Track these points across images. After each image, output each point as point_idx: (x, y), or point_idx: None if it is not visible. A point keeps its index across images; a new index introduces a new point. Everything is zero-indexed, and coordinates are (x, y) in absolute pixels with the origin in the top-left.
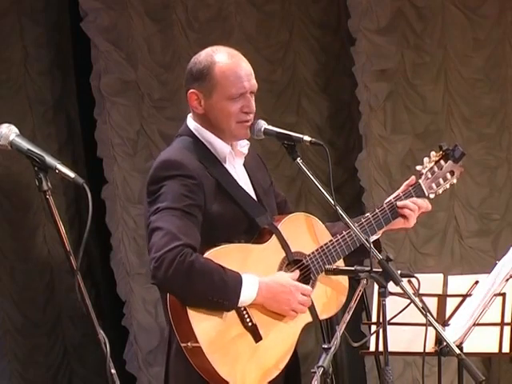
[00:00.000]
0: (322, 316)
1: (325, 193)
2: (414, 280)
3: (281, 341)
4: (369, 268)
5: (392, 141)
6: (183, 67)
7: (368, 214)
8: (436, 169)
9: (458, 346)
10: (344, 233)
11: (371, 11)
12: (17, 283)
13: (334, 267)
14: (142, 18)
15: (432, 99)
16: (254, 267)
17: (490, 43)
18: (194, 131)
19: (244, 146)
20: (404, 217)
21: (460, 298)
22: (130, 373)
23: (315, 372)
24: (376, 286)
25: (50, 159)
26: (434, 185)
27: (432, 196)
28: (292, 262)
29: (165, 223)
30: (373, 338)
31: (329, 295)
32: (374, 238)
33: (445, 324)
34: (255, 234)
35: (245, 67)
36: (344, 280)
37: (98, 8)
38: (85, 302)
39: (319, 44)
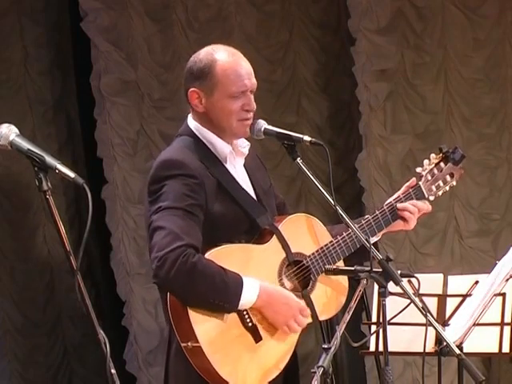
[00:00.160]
0: (322, 316)
1: (325, 193)
2: (414, 280)
3: (281, 341)
4: (369, 268)
5: (392, 141)
6: (183, 67)
7: (368, 216)
8: (436, 171)
9: (458, 346)
10: (344, 234)
11: (371, 11)
12: (17, 283)
13: (334, 267)
14: (142, 17)
15: (432, 99)
16: (255, 268)
17: (490, 43)
18: (194, 131)
19: (245, 146)
20: (404, 219)
21: (460, 298)
22: (130, 373)
23: (315, 372)
24: (376, 286)
25: (49, 159)
26: (433, 187)
27: (432, 198)
28: (292, 262)
29: (167, 222)
30: (373, 338)
31: (329, 295)
32: (374, 239)
33: (445, 324)
34: (255, 234)
35: (245, 66)
36: (344, 280)
37: (98, 8)
38: (85, 302)
39: (319, 44)
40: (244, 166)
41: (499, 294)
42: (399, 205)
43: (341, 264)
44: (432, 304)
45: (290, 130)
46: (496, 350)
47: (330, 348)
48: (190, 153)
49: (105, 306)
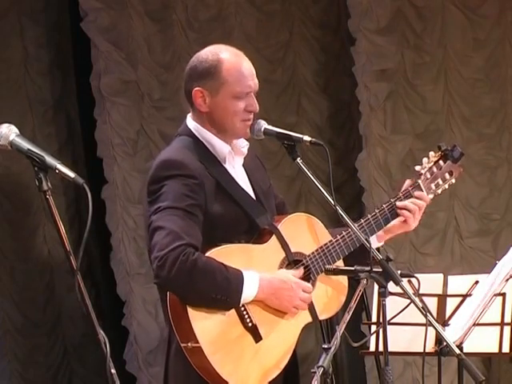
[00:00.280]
0: (322, 316)
1: (325, 193)
2: (414, 280)
3: (281, 341)
4: (369, 268)
5: (392, 141)
6: (183, 67)
7: (368, 215)
8: (435, 169)
9: (458, 346)
10: (344, 233)
11: (371, 11)
12: (17, 283)
13: (334, 267)
14: (142, 17)
15: (432, 99)
16: (255, 268)
17: (490, 43)
18: (193, 131)
19: (244, 146)
20: (404, 219)
21: (460, 298)
22: (130, 373)
23: (315, 372)
24: (376, 286)
25: (50, 159)
26: (433, 185)
27: (431, 196)
28: (292, 262)
29: (167, 222)
30: (373, 338)
31: (329, 295)
32: (378, 245)
33: (445, 324)
34: (255, 234)
35: (249, 67)
36: (344, 280)
37: (98, 8)
38: (85, 302)
39: (319, 44)
40: (243, 166)
41: (499, 294)
42: (399, 203)
43: (340, 263)
44: (432, 304)
45: (290, 129)
46: (496, 350)
47: (330, 348)
48: (189, 153)
49: (105, 306)
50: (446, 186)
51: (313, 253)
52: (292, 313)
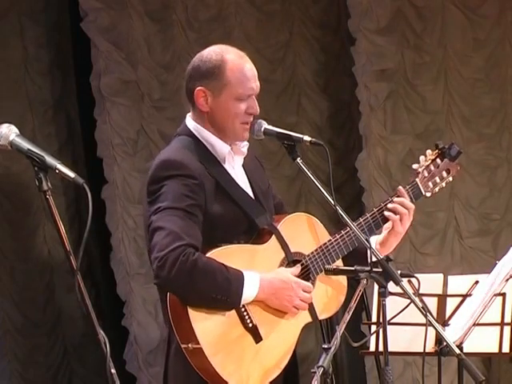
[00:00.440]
0: (322, 316)
1: (325, 193)
2: (414, 280)
3: (281, 341)
4: (369, 268)
5: (392, 141)
6: (183, 67)
7: (367, 214)
8: (432, 167)
9: (458, 346)
10: (342, 232)
11: (371, 11)
12: (17, 283)
13: (334, 267)
14: (142, 17)
15: (432, 99)
16: (255, 268)
17: (490, 43)
18: (193, 131)
19: (243, 146)
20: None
21: (460, 298)
22: (130, 373)
23: (315, 372)
24: (376, 286)
25: (50, 159)
26: (430, 183)
27: (429, 195)
28: (291, 262)
29: (167, 223)
30: (373, 338)
31: (328, 295)
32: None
33: (445, 324)
34: (254, 234)
35: (252, 69)
36: (343, 279)
37: (98, 8)
38: (85, 302)
39: (319, 44)
40: (242, 166)
41: (499, 294)
42: (389, 205)
43: (339, 263)
44: (432, 304)
45: (290, 130)
46: (496, 350)
47: (330, 348)
48: (189, 153)
49: (105, 306)
50: (444, 184)
51: (312, 252)
52: (292, 313)
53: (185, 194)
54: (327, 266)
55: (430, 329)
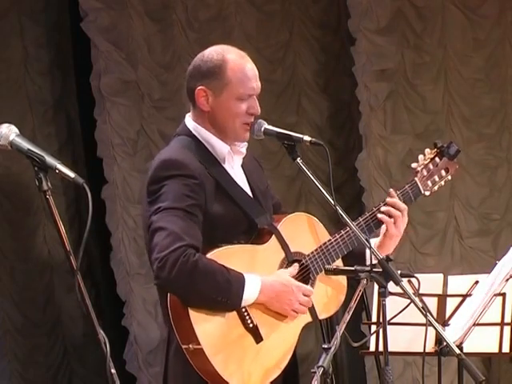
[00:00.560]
0: (322, 315)
1: (325, 193)
2: (414, 280)
3: (281, 341)
4: (369, 268)
5: (392, 141)
6: (183, 67)
7: (366, 214)
8: (431, 166)
9: (458, 346)
10: (342, 232)
11: (371, 11)
12: (17, 283)
13: (335, 267)
14: (142, 17)
15: (432, 99)
16: (255, 268)
17: (490, 43)
18: (192, 131)
19: (242, 146)
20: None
21: (460, 298)
22: (130, 373)
23: (315, 372)
24: (376, 286)
25: (50, 159)
26: (429, 182)
27: (427, 193)
28: (291, 262)
29: (167, 223)
30: (373, 338)
31: (328, 295)
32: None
33: (445, 324)
34: (254, 234)
35: (253, 69)
36: (343, 279)
37: (98, 8)
38: (85, 302)
39: (319, 44)
40: (241, 166)
41: (499, 294)
42: (383, 208)
43: (339, 262)
44: (432, 304)
45: (290, 130)
46: (496, 350)
47: (329, 348)
48: (189, 153)
49: (105, 306)
50: (443, 183)
51: (312, 252)
52: (292, 316)
53: (185, 193)
54: (327, 266)
55: (430, 329)
